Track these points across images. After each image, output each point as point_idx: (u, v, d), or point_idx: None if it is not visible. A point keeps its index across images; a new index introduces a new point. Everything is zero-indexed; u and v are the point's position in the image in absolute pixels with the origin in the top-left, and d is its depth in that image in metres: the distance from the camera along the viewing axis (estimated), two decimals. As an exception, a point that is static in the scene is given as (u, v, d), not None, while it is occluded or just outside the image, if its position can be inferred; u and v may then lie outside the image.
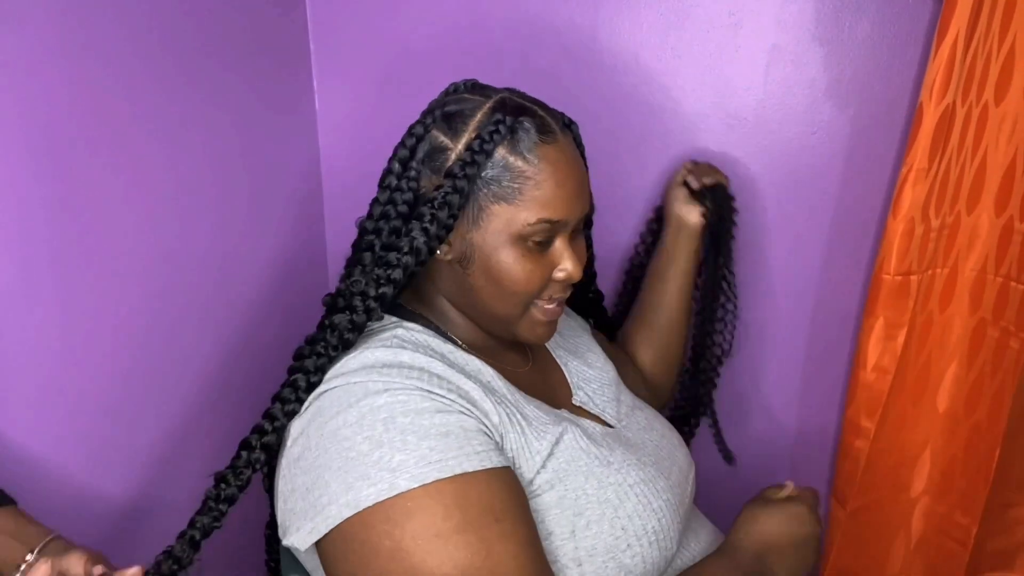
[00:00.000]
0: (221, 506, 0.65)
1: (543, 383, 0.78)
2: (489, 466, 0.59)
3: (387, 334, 0.69)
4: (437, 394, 0.61)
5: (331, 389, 0.63)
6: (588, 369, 0.84)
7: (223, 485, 0.65)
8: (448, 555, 0.55)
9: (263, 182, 1.06)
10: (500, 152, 0.66)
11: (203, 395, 0.97)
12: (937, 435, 1.05)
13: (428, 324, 0.73)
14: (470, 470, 0.58)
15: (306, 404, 0.64)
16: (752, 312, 1.13)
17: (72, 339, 0.77)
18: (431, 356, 0.66)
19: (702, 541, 0.78)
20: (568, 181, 0.68)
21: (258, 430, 0.65)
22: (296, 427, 0.64)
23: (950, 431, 1.04)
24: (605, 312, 0.99)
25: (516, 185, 0.66)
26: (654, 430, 0.79)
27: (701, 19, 1.02)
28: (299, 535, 0.60)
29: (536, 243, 0.68)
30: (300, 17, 1.12)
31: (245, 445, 0.66)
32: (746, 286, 1.12)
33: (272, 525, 0.81)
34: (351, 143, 1.17)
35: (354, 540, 0.57)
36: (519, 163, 0.66)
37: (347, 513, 0.57)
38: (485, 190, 0.66)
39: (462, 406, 0.62)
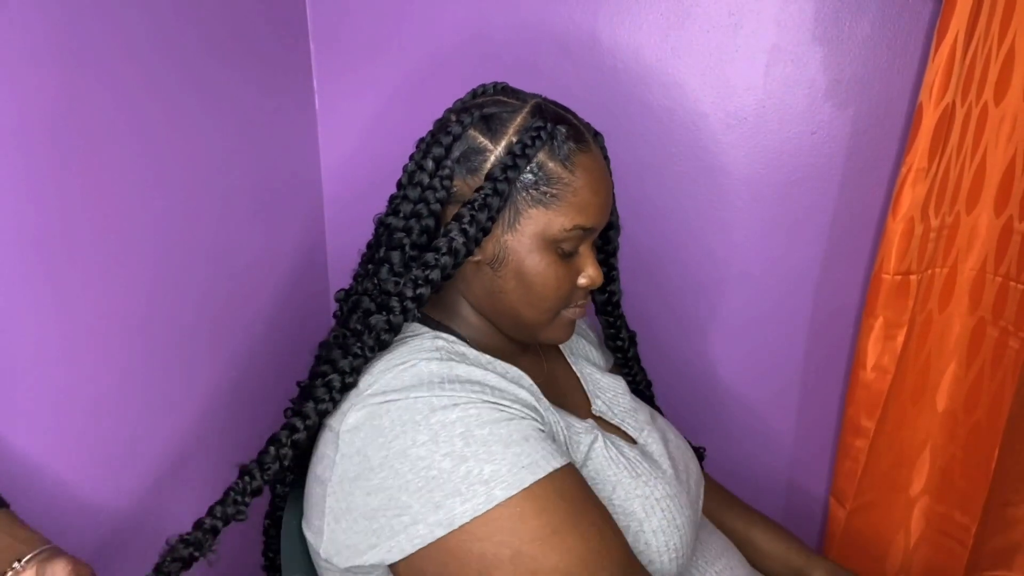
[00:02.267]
0: (245, 499, 0.65)
1: (560, 392, 0.78)
2: (568, 461, 0.61)
3: (429, 343, 0.67)
4: (503, 405, 0.61)
5: (388, 403, 0.61)
6: (602, 378, 0.83)
7: (248, 478, 0.65)
8: (569, 547, 0.57)
9: (263, 182, 1.06)
10: (540, 157, 0.66)
11: (204, 396, 0.97)
12: (937, 434, 1.05)
13: (449, 332, 0.72)
14: (558, 467, 0.60)
15: (347, 415, 0.63)
16: (752, 312, 1.13)
17: (72, 340, 0.77)
18: (483, 368, 0.65)
19: (704, 543, 0.77)
20: (601, 190, 0.69)
21: (289, 427, 0.65)
22: (348, 444, 0.62)
23: (950, 430, 1.04)
24: (628, 344, 0.92)
25: (555, 191, 0.66)
26: (670, 442, 0.78)
27: (701, 19, 1.03)
28: (375, 552, 0.59)
29: (565, 250, 0.68)
30: (300, 18, 1.12)
31: (274, 441, 0.65)
32: (746, 286, 1.12)
33: (271, 516, 0.81)
34: (351, 143, 1.18)
35: (463, 554, 0.57)
36: (558, 169, 0.67)
37: (440, 532, 0.56)
38: (524, 194, 0.67)
39: (527, 414, 0.63)
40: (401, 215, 0.69)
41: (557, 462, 0.60)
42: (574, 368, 0.83)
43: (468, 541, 0.56)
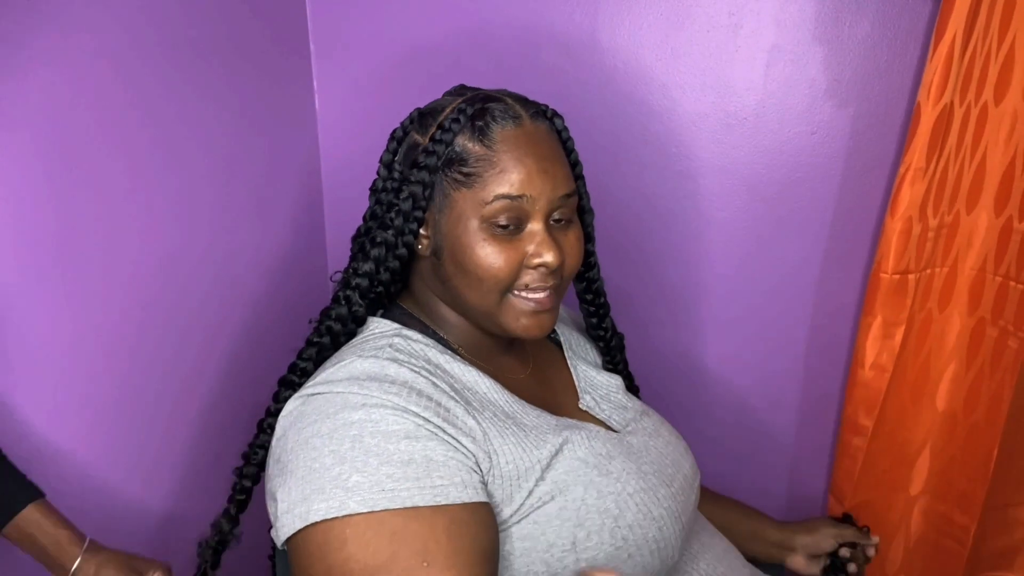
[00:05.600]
0: (245, 482, 0.72)
1: (545, 389, 0.78)
2: (443, 502, 0.58)
3: (383, 342, 0.68)
4: (412, 412, 0.61)
5: (316, 395, 0.64)
6: (596, 375, 0.83)
7: (245, 465, 0.73)
8: None
9: (263, 182, 1.06)
10: (460, 140, 0.67)
11: (203, 395, 0.97)
12: (936, 434, 1.05)
13: (426, 329, 0.73)
14: (421, 504, 0.57)
15: (290, 405, 0.65)
16: (751, 311, 1.13)
17: (73, 339, 0.78)
18: (419, 371, 0.65)
19: (705, 545, 0.78)
20: (528, 158, 0.66)
21: (268, 412, 0.71)
22: (279, 427, 0.65)
23: (949, 430, 1.04)
24: (610, 334, 0.88)
25: (475, 169, 0.66)
26: (660, 436, 0.78)
27: (701, 19, 1.03)
28: (273, 533, 0.61)
29: (503, 226, 0.66)
30: (300, 17, 1.12)
31: (260, 426, 0.72)
32: (745, 285, 1.12)
33: None
34: (351, 143, 1.18)
35: (303, 552, 0.58)
36: (477, 148, 0.67)
37: (298, 524, 0.57)
38: (448, 178, 0.68)
39: (435, 427, 0.61)
40: (365, 220, 0.74)
41: (422, 499, 0.57)
42: (569, 364, 0.83)
43: (311, 541, 0.57)
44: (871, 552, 0.94)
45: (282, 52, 1.09)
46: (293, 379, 0.70)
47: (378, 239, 0.70)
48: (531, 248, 0.67)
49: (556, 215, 0.69)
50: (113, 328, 0.82)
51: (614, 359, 0.90)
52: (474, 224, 0.67)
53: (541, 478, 0.65)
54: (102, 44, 0.77)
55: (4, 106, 0.68)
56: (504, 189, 0.65)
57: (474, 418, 0.64)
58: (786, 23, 1.00)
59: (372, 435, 0.59)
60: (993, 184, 0.93)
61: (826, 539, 0.94)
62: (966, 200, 0.95)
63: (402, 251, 0.70)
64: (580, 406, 0.78)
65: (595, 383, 0.82)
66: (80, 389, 0.79)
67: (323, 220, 1.23)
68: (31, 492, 0.68)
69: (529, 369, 0.79)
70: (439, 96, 0.76)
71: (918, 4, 0.96)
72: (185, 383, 0.94)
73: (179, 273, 0.91)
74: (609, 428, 0.76)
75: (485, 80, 0.79)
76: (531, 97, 0.73)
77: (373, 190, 0.74)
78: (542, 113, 0.71)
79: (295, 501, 0.58)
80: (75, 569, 0.67)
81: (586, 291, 0.84)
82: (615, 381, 0.83)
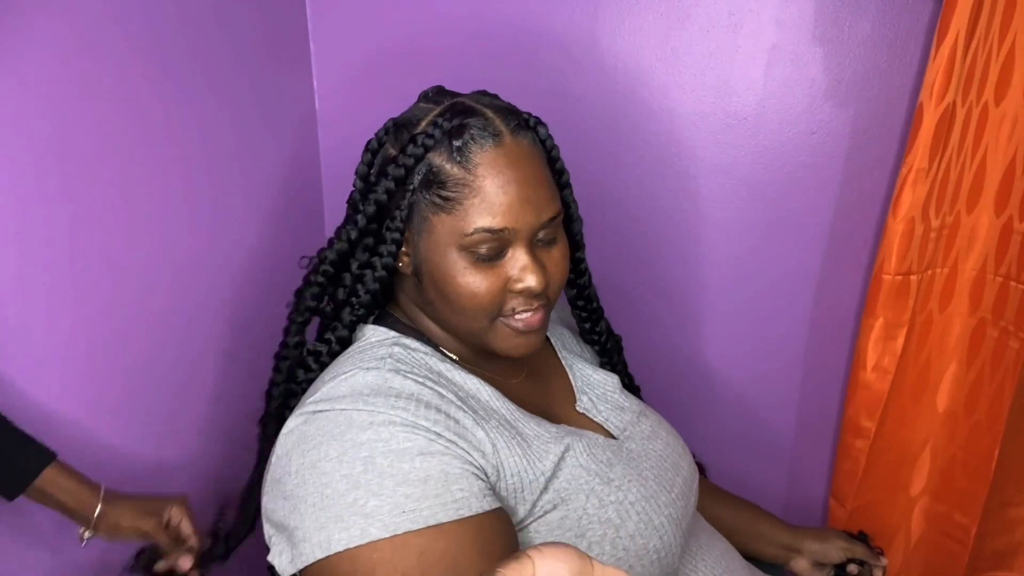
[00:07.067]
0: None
1: (541, 393, 0.77)
2: (466, 514, 0.57)
3: (383, 351, 0.67)
4: (422, 427, 0.59)
5: (319, 412, 0.61)
6: (593, 374, 0.82)
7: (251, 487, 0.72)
8: None
9: (263, 182, 1.06)
10: (437, 159, 0.63)
11: (200, 396, 0.97)
12: (937, 435, 1.05)
13: (421, 337, 0.71)
14: (444, 521, 0.56)
15: (291, 422, 0.63)
16: (752, 312, 1.13)
17: (69, 339, 0.77)
18: (424, 381, 0.63)
19: (704, 546, 0.77)
20: (512, 186, 0.63)
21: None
22: (281, 446, 0.63)
23: (950, 431, 1.04)
24: (605, 337, 0.88)
25: (454, 194, 0.63)
26: (658, 438, 0.77)
27: (701, 19, 1.02)
28: (280, 560, 0.59)
29: (483, 254, 0.64)
30: (300, 17, 1.12)
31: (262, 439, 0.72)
32: (746, 286, 1.12)
33: None
34: (351, 142, 1.17)
35: None
36: (455, 170, 0.63)
37: (319, 554, 0.56)
38: (426, 200, 0.64)
39: (448, 441, 0.59)
40: (348, 228, 0.72)
41: (445, 515, 0.56)
42: (564, 364, 0.82)
43: (336, 570, 0.56)
44: (878, 574, 0.94)
45: (282, 52, 1.09)
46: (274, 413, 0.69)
47: (346, 281, 0.70)
48: (514, 272, 0.65)
49: (540, 235, 0.67)
50: (105, 327, 0.82)
51: (611, 360, 0.89)
52: (453, 251, 0.64)
53: (545, 488, 0.64)
54: (101, 42, 0.77)
55: (1, 105, 0.68)
56: (485, 222, 0.62)
57: (483, 429, 0.63)
58: (786, 23, 1.00)
59: (384, 455, 0.57)
60: (993, 184, 0.93)
61: (835, 550, 0.93)
62: (966, 200, 0.95)
63: (382, 273, 0.68)
64: (577, 408, 0.77)
65: (592, 381, 0.81)
66: (72, 389, 0.79)
67: (323, 220, 1.23)
68: (46, 454, 0.72)
69: (523, 373, 0.77)
70: (438, 97, 0.76)
71: (918, 4, 0.95)
72: (178, 384, 0.93)
73: (176, 272, 0.90)
74: (608, 433, 0.75)
75: (486, 82, 0.78)
76: (532, 98, 0.72)
77: (351, 203, 0.71)
78: (524, 124, 0.67)
79: (310, 530, 0.56)
80: (96, 517, 0.74)
81: (577, 298, 0.83)
82: (612, 379, 0.82)
